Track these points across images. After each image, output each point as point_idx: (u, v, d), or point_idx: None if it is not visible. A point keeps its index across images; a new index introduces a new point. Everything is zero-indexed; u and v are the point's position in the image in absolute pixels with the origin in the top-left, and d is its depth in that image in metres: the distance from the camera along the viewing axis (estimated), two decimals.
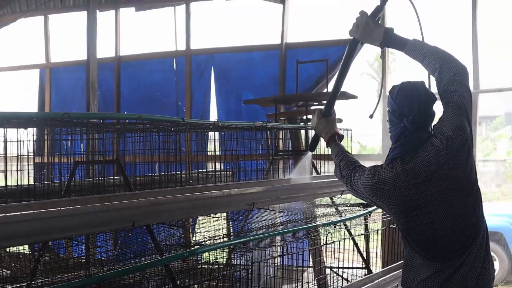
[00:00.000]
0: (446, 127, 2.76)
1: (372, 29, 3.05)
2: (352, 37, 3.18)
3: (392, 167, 2.81)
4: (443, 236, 2.80)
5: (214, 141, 5.78)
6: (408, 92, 2.87)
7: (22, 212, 3.18)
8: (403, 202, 2.81)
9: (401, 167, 2.78)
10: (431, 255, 2.86)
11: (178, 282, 4.30)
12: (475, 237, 2.82)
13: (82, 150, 5.35)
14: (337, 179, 3.21)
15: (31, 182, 4.90)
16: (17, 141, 4.05)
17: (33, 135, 4.67)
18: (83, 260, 4.94)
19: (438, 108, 2.92)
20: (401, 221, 2.92)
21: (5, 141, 3.85)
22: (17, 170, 4.07)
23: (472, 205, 2.83)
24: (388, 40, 3.03)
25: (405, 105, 2.84)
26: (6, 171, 3.90)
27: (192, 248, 4.19)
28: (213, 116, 9.51)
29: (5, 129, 3.84)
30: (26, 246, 5.06)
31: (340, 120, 6.89)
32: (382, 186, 2.82)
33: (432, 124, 2.90)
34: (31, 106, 11.35)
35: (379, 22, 3.10)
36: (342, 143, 3.37)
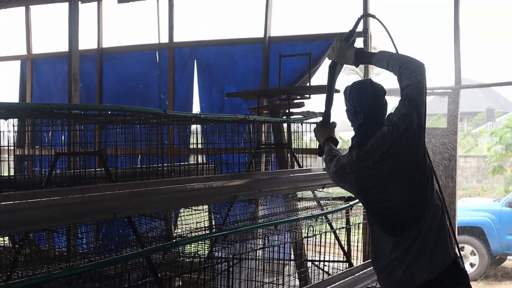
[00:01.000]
0: (394, 115, 3.15)
1: (345, 51, 3.43)
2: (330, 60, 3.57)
3: (349, 154, 3.22)
4: (396, 212, 3.15)
5: (197, 134, 5.77)
6: (358, 90, 3.27)
7: (2, 203, 3.16)
8: (360, 183, 3.18)
9: (356, 153, 3.17)
10: (388, 230, 3.20)
11: (159, 275, 4.29)
12: (424, 211, 3.12)
13: (63, 141, 5.31)
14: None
15: (12, 174, 4.86)
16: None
17: (13, 126, 4.63)
18: (64, 253, 4.92)
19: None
20: (362, 201, 3.34)
21: None
22: None
23: (419, 182, 3.14)
24: (360, 58, 3.41)
25: (357, 103, 3.25)
26: None
27: (174, 240, 4.18)
28: (196, 109, 9.49)
29: None
30: (6, 238, 5.02)
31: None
32: (342, 171, 3.23)
33: (387, 114, 3.27)
34: (11, 98, 11.25)
35: (353, 44, 3.47)
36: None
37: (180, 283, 4.98)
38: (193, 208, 5.33)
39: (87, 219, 3.78)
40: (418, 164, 3.15)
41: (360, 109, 3.22)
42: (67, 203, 3.38)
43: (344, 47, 3.43)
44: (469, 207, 11.43)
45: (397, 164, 3.12)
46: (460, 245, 10.02)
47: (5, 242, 4.96)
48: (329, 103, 3.68)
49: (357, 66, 3.50)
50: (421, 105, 3.15)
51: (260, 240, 5.59)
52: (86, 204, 3.47)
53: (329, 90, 3.62)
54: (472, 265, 10.53)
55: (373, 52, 3.42)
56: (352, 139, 3.28)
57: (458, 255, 3.27)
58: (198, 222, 5.11)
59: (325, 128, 3.66)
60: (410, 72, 3.15)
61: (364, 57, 3.43)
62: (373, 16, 3.68)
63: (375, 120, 3.21)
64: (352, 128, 3.34)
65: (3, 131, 4.07)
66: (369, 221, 3.36)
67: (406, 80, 3.15)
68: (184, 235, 4.62)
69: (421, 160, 3.17)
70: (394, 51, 3.37)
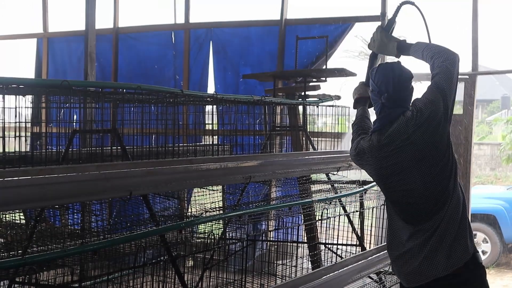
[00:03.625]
0: (419, 101, 3.13)
1: (386, 44, 3.45)
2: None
3: (370, 139, 3.20)
4: (416, 201, 3.12)
5: (212, 114, 5.77)
6: (385, 71, 3.22)
7: (19, 178, 3.18)
8: (380, 169, 3.19)
9: (377, 138, 3.15)
10: (407, 218, 3.17)
11: (173, 254, 4.32)
12: (445, 203, 3.08)
13: (80, 119, 5.33)
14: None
15: (28, 150, 4.89)
16: (15, 108, 4.02)
17: (31, 102, 4.65)
18: (78, 231, 4.95)
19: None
20: (381, 188, 3.31)
21: (3, 107, 3.83)
22: (15, 137, 4.05)
23: (441, 173, 3.10)
24: (401, 51, 3.42)
25: (382, 83, 3.20)
26: (3, 137, 3.89)
27: (189, 219, 4.20)
28: (211, 91, 9.48)
29: (3, 95, 3.81)
30: (22, 216, 5.06)
31: (339, 97, 6.89)
32: (362, 155, 3.24)
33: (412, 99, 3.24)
34: (27, 76, 11.26)
35: (392, 33, 3.49)
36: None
37: (193, 263, 5.00)
38: (207, 188, 5.34)
39: (103, 196, 3.79)
40: (441, 153, 3.10)
41: (385, 89, 3.18)
42: (84, 180, 3.39)
43: (385, 40, 3.45)
44: (482, 195, 11.37)
45: (419, 151, 3.08)
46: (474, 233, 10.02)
47: (21, 219, 4.99)
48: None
49: (398, 57, 3.45)
50: (449, 94, 3.11)
51: (273, 221, 5.61)
52: (102, 181, 3.48)
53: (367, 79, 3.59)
54: (484, 252, 10.50)
55: (411, 43, 3.39)
56: (374, 123, 3.26)
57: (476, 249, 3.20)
58: (212, 202, 5.13)
59: (366, 87, 3.54)
60: (442, 61, 3.12)
61: (404, 49, 3.41)
62: (413, 3, 3.57)
63: (398, 103, 3.17)
64: (374, 111, 3.31)
65: (21, 107, 4.07)
66: (388, 208, 3.33)
67: (437, 68, 3.13)
68: (198, 214, 4.64)
69: (444, 149, 3.12)
70: (429, 41, 3.39)
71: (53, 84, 4.02)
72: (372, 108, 3.40)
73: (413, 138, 3.07)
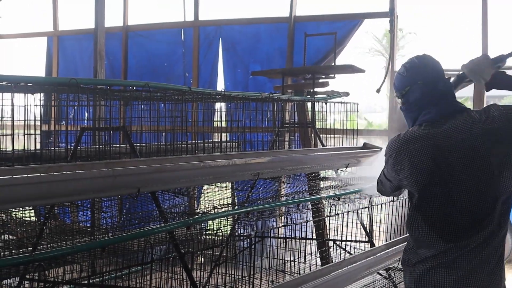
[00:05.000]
0: (495, 109, 2.83)
1: (483, 69, 3.04)
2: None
3: (419, 127, 2.89)
4: (456, 212, 2.78)
5: (221, 112, 5.78)
6: (432, 65, 3.00)
7: (28, 175, 3.20)
8: (426, 163, 2.80)
9: (431, 128, 2.84)
10: (439, 232, 2.82)
11: (182, 250, 4.34)
12: (488, 224, 2.76)
13: (88, 116, 5.35)
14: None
15: (38, 148, 4.91)
16: (24, 106, 4.05)
17: (40, 100, 4.68)
18: (88, 228, 4.98)
19: None
20: (417, 189, 2.88)
21: (13, 105, 3.85)
22: (24, 135, 4.08)
23: (490, 189, 2.76)
24: (495, 80, 3.01)
25: (432, 77, 2.95)
26: (13, 135, 3.91)
27: (197, 216, 4.21)
28: (220, 88, 9.50)
29: (12, 93, 3.84)
30: (32, 213, 5.09)
31: (347, 94, 6.89)
32: (407, 145, 2.85)
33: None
34: (37, 74, 11.31)
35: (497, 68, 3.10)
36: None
37: (202, 260, 5.02)
38: (216, 185, 5.35)
39: (112, 193, 3.80)
40: (496, 169, 2.76)
41: (432, 80, 2.94)
42: (93, 177, 3.40)
43: (484, 66, 3.04)
44: None
45: (476, 158, 2.76)
46: None
47: (30, 217, 5.03)
48: None
49: (487, 90, 3.09)
50: None
51: (282, 218, 5.61)
52: (111, 178, 3.50)
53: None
54: None
55: (509, 75, 3.02)
56: (426, 114, 2.92)
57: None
58: (221, 199, 5.13)
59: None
60: None
61: (499, 81, 3.01)
62: None
63: (452, 96, 2.96)
64: (406, 111, 3.04)
65: (30, 105, 4.09)
66: (416, 217, 2.91)
67: None
68: (207, 211, 4.65)
69: (500, 170, 2.76)
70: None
71: (61, 82, 4.04)
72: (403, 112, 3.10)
73: (473, 142, 2.77)
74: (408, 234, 3.02)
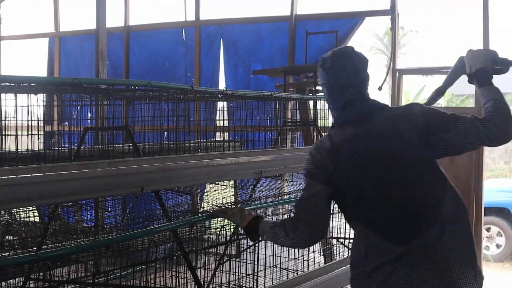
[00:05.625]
0: (416, 106, 2.82)
1: (477, 60, 2.93)
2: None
3: (342, 130, 2.79)
4: (398, 212, 2.68)
5: (223, 111, 5.79)
6: (342, 62, 2.85)
7: (32, 175, 3.21)
8: (362, 164, 2.71)
9: (354, 129, 2.77)
10: (386, 236, 2.68)
11: (186, 249, 4.35)
12: (436, 216, 2.66)
13: (91, 116, 5.37)
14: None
15: (41, 148, 4.93)
16: (27, 106, 4.06)
17: (43, 101, 4.69)
18: (92, 228, 4.99)
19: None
20: (356, 194, 2.74)
21: (16, 106, 3.87)
22: (28, 135, 4.09)
23: (423, 182, 2.71)
24: (478, 74, 2.91)
25: (341, 76, 2.84)
26: (16, 135, 3.93)
27: (200, 215, 4.22)
28: (222, 87, 9.52)
29: (15, 94, 3.85)
30: (36, 213, 5.11)
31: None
32: (336, 149, 2.73)
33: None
34: (39, 75, 11.33)
35: (495, 69, 2.98)
36: None
37: (206, 258, 5.03)
38: (220, 183, 5.37)
39: (116, 192, 3.81)
40: (427, 160, 2.75)
41: (347, 82, 2.83)
42: (96, 176, 3.41)
43: (486, 56, 2.94)
44: (496, 188, 11.34)
45: (406, 148, 2.71)
46: (486, 226, 9.98)
47: (35, 217, 5.04)
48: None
49: (468, 81, 2.99)
50: (457, 145, 2.73)
51: (286, 216, 5.60)
52: (114, 177, 3.51)
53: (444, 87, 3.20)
54: (498, 246, 10.46)
55: (491, 82, 2.91)
56: (342, 115, 2.86)
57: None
58: (224, 198, 5.15)
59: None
60: (490, 127, 2.67)
61: (478, 77, 2.90)
62: None
63: (363, 97, 2.87)
64: (330, 105, 2.97)
65: (33, 105, 4.10)
66: (356, 224, 2.82)
67: (479, 122, 2.70)
68: (211, 210, 4.66)
69: (433, 160, 2.76)
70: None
71: (64, 82, 4.06)
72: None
73: (400, 139, 2.73)
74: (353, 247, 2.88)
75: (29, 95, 3.95)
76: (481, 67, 2.90)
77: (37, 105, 4.26)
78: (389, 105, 3.10)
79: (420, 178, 2.72)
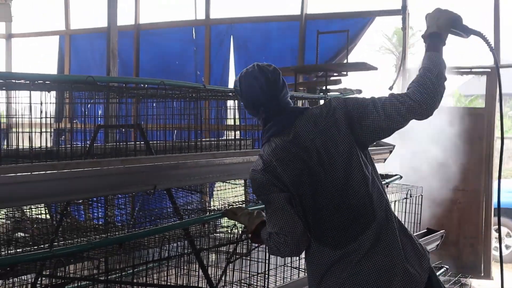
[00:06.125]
0: (335, 100, 2.80)
1: (437, 18, 2.82)
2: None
3: (269, 144, 2.78)
4: (331, 215, 2.69)
5: (234, 109, 5.79)
6: (249, 82, 2.87)
7: (46, 172, 3.23)
8: (290, 171, 2.70)
9: (280, 140, 2.75)
10: (325, 240, 2.70)
11: (197, 247, 4.36)
12: (371, 217, 2.67)
13: (104, 114, 5.38)
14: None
15: (53, 145, 4.95)
16: (40, 103, 4.08)
17: (55, 98, 4.71)
18: (102, 226, 5.01)
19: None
20: (297, 200, 2.73)
21: (30, 103, 3.89)
22: (41, 132, 4.11)
23: (351, 181, 2.68)
24: (427, 35, 2.83)
25: (252, 97, 2.86)
26: (30, 132, 3.95)
27: (212, 213, 4.24)
28: (232, 86, 9.53)
29: (30, 91, 3.87)
30: (46, 211, 5.13)
31: (360, 91, 6.89)
32: (269, 164, 2.72)
33: (289, 93, 2.93)
34: (52, 73, 11.36)
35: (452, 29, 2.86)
36: None
37: (216, 256, 5.05)
38: (231, 182, 5.38)
39: (129, 189, 3.83)
40: (347, 163, 2.69)
41: (258, 102, 2.85)
42: (110, 173, 3.43)
43: (445, 17, 2.80)
44: (505, 189, 11.31)
45: (327, 156, 2.69)
46: (496, 227, 9.95)
47: (46, 215, 5.07)
48: None
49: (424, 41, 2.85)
50: (375, 120, 2.70)
51: None
52: (128, 175, 3.53)
53: None
54: (507, 247, 10.43)
55: (435, 48, 2.78)
56: (267, 130, 2.84)
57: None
58: (235, 196, 5.16)
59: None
60: (405, 100, 2.66)
61: (431, 42, 2.79)
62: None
63: (285, 105, 2.86)
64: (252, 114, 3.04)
65: (47, 102, 4.13)
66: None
67: (394, 98, 2.69)
68: (221, 208, 4.67)
69: (350, 161, 2.70)
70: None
71: (78, 80, 4.08)
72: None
73: (323, 139, 2.72)
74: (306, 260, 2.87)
75: (43, 92, 3.97)
76: (434, 31, 2.80)
77: (50, 103, 4.28)
78: None
79: (349, 180, 2.68)
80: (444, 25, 2.81)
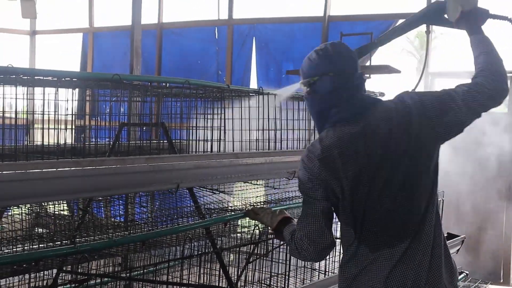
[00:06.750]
0: (407, 96, 2.62)
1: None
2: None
3: (334, 130, 2.56)
4: (388, 214, 2.53)
5: (258, 109, 5.79)
6: (345, 48, 2.66)
7: (72, 168, 3.26)
8: (351, 165, 2.50)
9: (347, 129, 2.54)
10: (378, 240, 2.55)
11: (218, 246, 4.38)
12: (419, 223, 2.53)
13: (124, 112, 5.41)
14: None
15: (76, 142, 4.99)
16: (66, 101, 4.11)
17: (80, 96, 4.74)
18: (121, 223, 5.04)
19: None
20: (347, 198, 2.54)
21: (57, 100, 3.92)
22: (66, 129, 4.15)
23: (421, 185, 2.55)
24: (465, 16, 2.76)
25: (342, 65, 2.61)
26: (60, 129, 3.99)
27: (233, 213, 4.25)
28: (253, 86, 9.54)
29: (57, 88, 3.91)
30: (66, 207, 5.16)
31: (383, 94, 6.86)
32: (328, 153, 2.51)
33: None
34: (77, 71, 11.44)
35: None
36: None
37: (238, 256, 5.07)
38: (252, 182, 5.38)
39: (152, 187, 3.84)
40: (420, 165, 2.55)
41: (353, 68, 2.62)
42: (134, 171, 3.45)
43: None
44: None
45: (396, 154, 2.52)
46: None
47: (66, 211, 5.10)
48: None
49: (456, 25, 2.80)
50: (450, 116, 2.55)
51: None
52: (152, 173, 3.54)
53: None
54: None
55: (482, 30, 2.74)
56: (334, 114, 2.59)
57: None
58: (257, 197, 5.16)
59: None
60: (479, 89, 2.57)
61: (474, 22, 2.74)
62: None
63: (361, 89, 2.65)
64: (317, 104, 2.68)
65: (72, 100, 4.16)
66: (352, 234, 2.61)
67: (467, 90, 2.58)
68: (243, 208, 4.68)
69: (424, 162, 2.57)
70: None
71: (104, 78, 4.11)
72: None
73: (397, 134, 2.53)
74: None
75: (70, 89, 4.01)
76: (468, 10, 2.73)
77: (75, 100, 4.31)
78: None
79: (418, 184, 2.54)
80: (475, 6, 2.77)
